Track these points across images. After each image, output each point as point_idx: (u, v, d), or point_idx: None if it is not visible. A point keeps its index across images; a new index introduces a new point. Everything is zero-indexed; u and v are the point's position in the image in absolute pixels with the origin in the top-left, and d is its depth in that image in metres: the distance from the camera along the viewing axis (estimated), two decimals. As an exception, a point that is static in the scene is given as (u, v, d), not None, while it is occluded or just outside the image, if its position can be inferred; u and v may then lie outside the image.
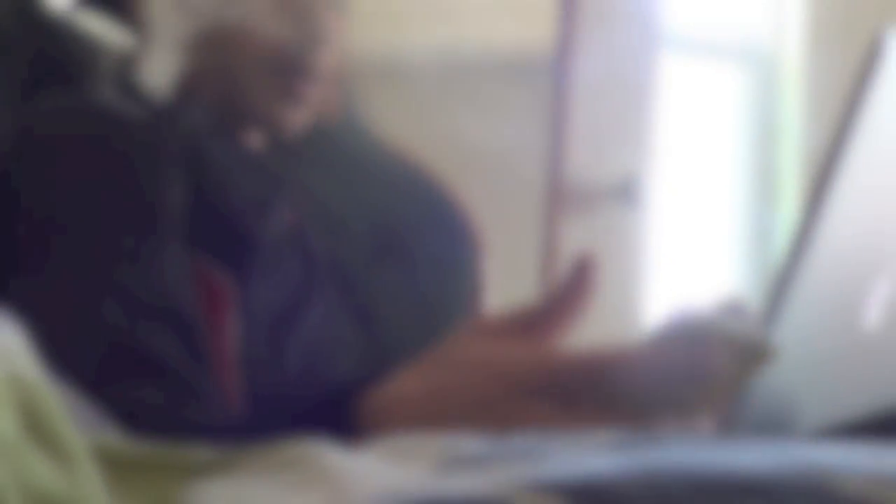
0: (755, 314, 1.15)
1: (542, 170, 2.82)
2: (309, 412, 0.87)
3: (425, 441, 0.68)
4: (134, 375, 0.89)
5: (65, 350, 0.77)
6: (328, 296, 1.05)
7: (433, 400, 0.85)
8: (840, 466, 0.51)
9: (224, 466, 0.66)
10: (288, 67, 1.17)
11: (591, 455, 0.59)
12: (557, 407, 0.83)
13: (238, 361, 0.91)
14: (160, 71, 1.14)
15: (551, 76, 2.84)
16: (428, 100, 2.71)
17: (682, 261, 3.21)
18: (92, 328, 0.88)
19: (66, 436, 0.55)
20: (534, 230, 2.79)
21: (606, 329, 2.80)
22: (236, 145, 1.17)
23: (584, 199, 2.83)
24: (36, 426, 0.54)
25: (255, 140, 1.22)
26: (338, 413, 0.86)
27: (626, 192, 2.86)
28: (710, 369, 0.87)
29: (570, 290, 0.89)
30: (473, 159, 2.47)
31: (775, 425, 0.96)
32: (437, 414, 0.84)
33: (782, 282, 0.92)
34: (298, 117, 1.19)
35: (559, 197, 2.81)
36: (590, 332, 2.98)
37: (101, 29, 1.21)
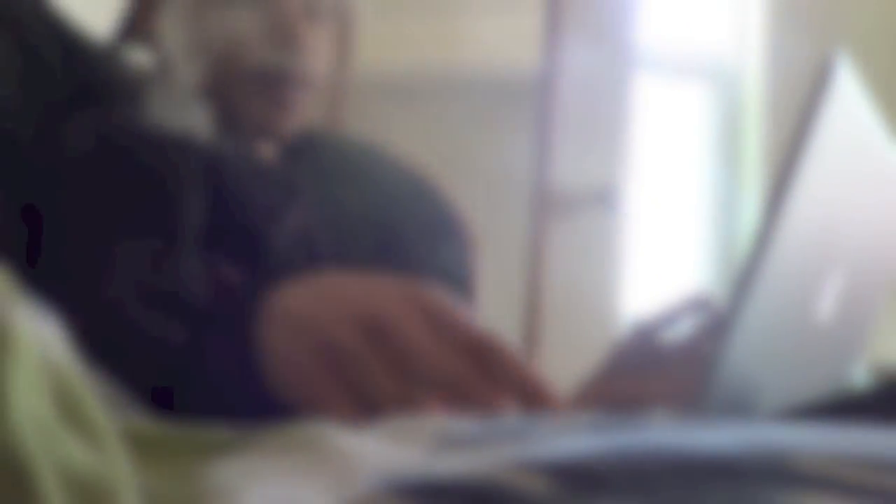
0: (721, 307, 1.15)
1: (530, 178, 2.82)
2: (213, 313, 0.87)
3: (423, 424, 0.68)
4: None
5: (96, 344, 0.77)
6: None
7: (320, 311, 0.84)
8: (798, 446, 0.51)
9: (240, 446, 0.65)
10: (272, 76, 1.17)
11: (574, 437, 0.59)
12: None
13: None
14: (177, 91, 1.14)
15: (537, 94, 2.84)
16: (427, 115, 2.71)
17: (656, 259, 3.21)
18: (119, 327, 0.87)
19: (97, 419, 0.55)
20: (522, 232, 2.79)
21: (587, 323, 2.80)
22: (249, 156, 1.16)
23: (568, 204, 2.83)
24: (70, 410, 0.54)
25: (266, 151, 1.21)
26: (237, 318, 0.86)
27: (605, 198, 2.86)
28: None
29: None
30: (468, 168, 2.47)
31: (738, 407, 0.96)
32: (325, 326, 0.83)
33: (745, 278, 0.91)
34: (289, 122, 1.19)
35: (545, 202, 2.81)
36: (571, 326, 2.97)
37: (135, 55, 1.21)
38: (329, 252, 1.06)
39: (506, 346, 0.83)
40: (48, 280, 0.80)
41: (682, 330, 1.20)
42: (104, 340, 0.78)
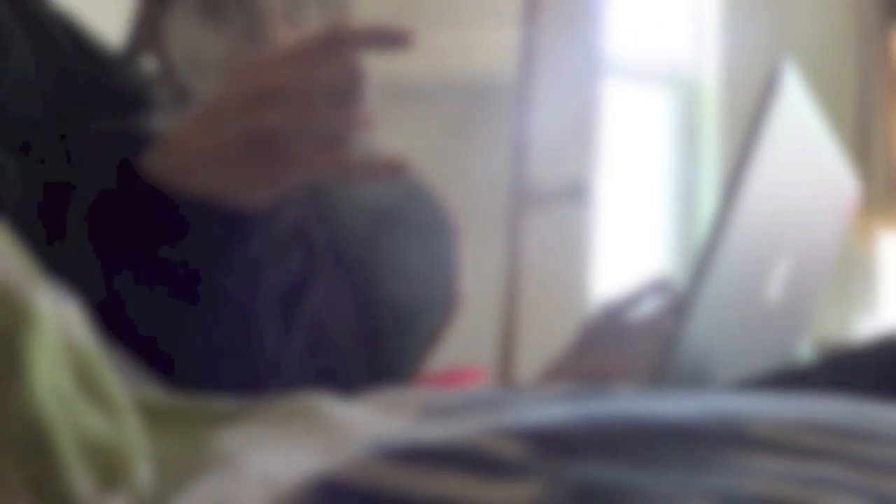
0: (680, 288, 1.15)
1: (508, 174, 2.82)
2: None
3: (410, 395, 0.67)
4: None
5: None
6: (328, 278, 1.03)
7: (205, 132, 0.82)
8: (750, 413, 0.51)
9: (242, 416, 0.65)
10: None
11: (547, 406, 0.58)
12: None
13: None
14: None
15: (515, 98, 2.83)
16: (414, 117, 2.70)
17: (623, 246, 3.22)
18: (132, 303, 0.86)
19: (113, 391, 0.54)
20: (501, 223, 2.79)
21: (561, 304, 2.80)
22: None
23: (543, 198, 2.83)
24: (88, 382, 0.53)
25: None
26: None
27: (576, 192, 2.85)
28: None
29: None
30: (452, 166, 2.47)
31: (696, 379, 0.96)
32: (213, 150, 0.81)
33: (702, 262, 0.91)
34: None
35: (522, 196, 2.81)
36: (546, 307, 2.97)
37: (144, 64, 1.20)
38: (323, 243, 1.04)
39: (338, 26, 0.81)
40: (67, 264, 0.79)
41: (646, 309, 1.20)
42: (116, 319, 0.77)
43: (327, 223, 1.09)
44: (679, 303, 1.02)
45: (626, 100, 3.30)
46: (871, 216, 3.43)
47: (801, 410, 0.52)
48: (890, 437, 0.49)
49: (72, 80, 1.04)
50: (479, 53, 2.92)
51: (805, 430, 0.49)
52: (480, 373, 2.57)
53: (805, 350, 1.22)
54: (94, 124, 1.01)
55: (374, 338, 1.09)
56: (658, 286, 1.19)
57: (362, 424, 0.62)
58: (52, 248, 0.86)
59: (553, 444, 0.49)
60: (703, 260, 0.91)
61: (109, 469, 0.51)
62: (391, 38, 0.81)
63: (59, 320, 0.54)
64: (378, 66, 0.82)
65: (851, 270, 3.40)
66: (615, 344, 1.18)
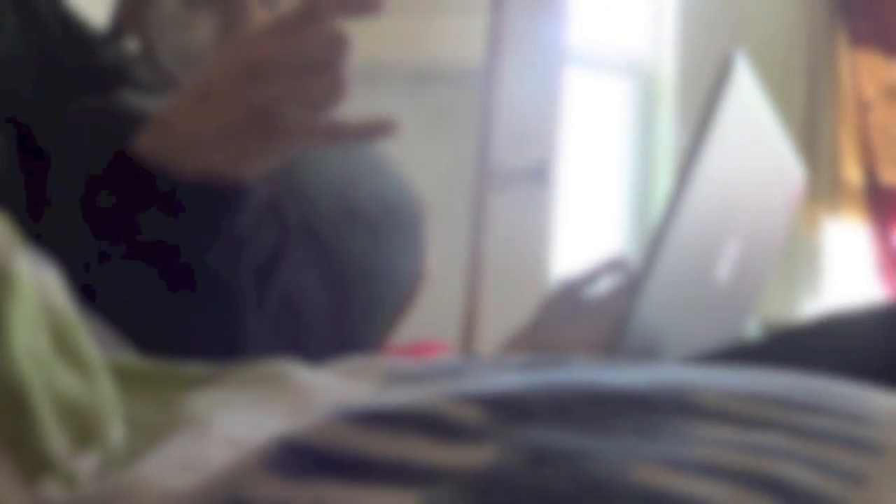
0: (635, 267, 1.15)
1: (475, 156, 2.82)
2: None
3: (373, 363, 0.67)
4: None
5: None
6: (298, 253, 1.03)
7: (198, 113, 0.81)
8: (699, 383, 0.51)
9: (213, 380, 0.64)
10: None
11: (505, 374, 0.58)
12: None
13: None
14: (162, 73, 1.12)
15: (482, 85, 2.83)
16: (383, 102, 2.70)
17: (582, 226, 3.23)
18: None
19: (88, 354, 0.54)
20: (467, 203, 2.79)
21: (522, 280, 2.80)
22: None
23: (507, 179, 2.83)
24: (64, 345, 0.53)
25: None
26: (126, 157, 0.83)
27: (539, 175, 2.85)
28: None
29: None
30: (420, 147, 2.46)
31: (648, 354, 0.96)
32: (207, 129, 0.80)
33: (655, 243, 0.91)
34: None
35: (487, 177, 2.81)
36: (509, 284, 2.97)
37: (130, 45, 1.18)
38: (294, 219, 1.04)
39: None
40: (48, 233, 0.78)
41: (602, 287, 1.20)
42: (94, 287, 0.77)
43: (297, 200, 1.08)
44: (633, 281, 1.02)
45: (587, 88, 3.30)
46: (817, 204, 3.45)
47: (747, 382, 0.52)
48: (830, 408, 0.49)
49: (58, 59, 1.03)
50: (447, 41, 2.91)
51: (750, 400, 0.49)
52: (443, 347, 2.57)
53: (752, 329, 1.22)
54: (77, 101, 1.00)
55: (341, 312, 1.09)
56: (614, 265, 1.19)
57: (327, 389, 0.61)
58: (36, 219, 0.85)
59: (509, 409, 0.49)
60: (656, 240, 0.91)
61: (83, 429, 0.51)
62: (361, 4, 0.80)
63: (37, 285, 0.53)
64: (366, 53, 0.82)
65: (798, 255, 3.42)
66: (572, 320, 1.18)
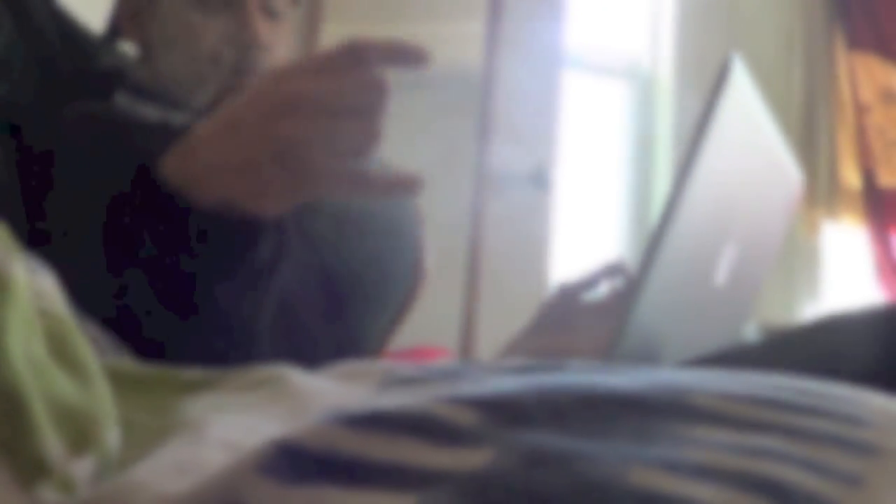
0: (633, 272, 1.15)
1: (474, 159, 2.82)
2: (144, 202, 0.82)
3: (370, 366, 0.67)
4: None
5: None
6: (297, 258, 1.02)
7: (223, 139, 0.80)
8: (696, 386, 0.51)
9: (210, 385, 0.64)
10: (232, 69, 1.12)
11: (501, 377, 0.58)
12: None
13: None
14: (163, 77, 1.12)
15: (481, 89, 2.83)
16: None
17: (580, 231, 3.23)
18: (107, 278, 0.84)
19: (85, 358, 0.54)
20: (466, 206, 2.79)
21: (520, 285, 2.80)
22: None
23: (506, 182, 2.83)
24: (61, 350, 0.53)
25: None
26: (151, 181, 0.82)
27: (537, 178, 2.85)
28: None
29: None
30: (421, 152, 2.46)
31: (645, 358, 0.96)
32: (228, 156, 0.79)
33: (653, 246, 0.91)
34: None
35: (486, 180, 2.81)
36: (507, 287, 2.96)
37: (127, 50, 1.18)
38: (292, 223, 1.04)
39: (358, 40, 0.78)
40: (45, 240, 0.78)
41: (600, 291, 1.20)
42: (91, 293, 0.76)
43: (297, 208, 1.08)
44: (631, 285, 1.02)
45: (586, 92, 3.31)
46: (815, 207, 3.45)
47: (744, 384, 0.52)
48: (827, 410, 0.49)
49: (55, 64, 1.03)
50: (447, 46, 2.92)
51: (746, 402, 0.49)
52: (442, 351, 2.57)
53: (750, 333, 1.22)
54: (74, 106, 1.00)
55: (338, 316, 1.09)
56: (613, 269, 1.20)
57: (324, 393, 0.61)
58: (33, 225, 0.85)
59: (506, 412, 0.49)
60: (654, 244, 0.91)
61: (79, 433, 0.51)
62: (409, 55, 0.79)
63: (33, 290, 0.53)
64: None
65: (796, 258, 3.42)
66: (571, 324, 1.18)
